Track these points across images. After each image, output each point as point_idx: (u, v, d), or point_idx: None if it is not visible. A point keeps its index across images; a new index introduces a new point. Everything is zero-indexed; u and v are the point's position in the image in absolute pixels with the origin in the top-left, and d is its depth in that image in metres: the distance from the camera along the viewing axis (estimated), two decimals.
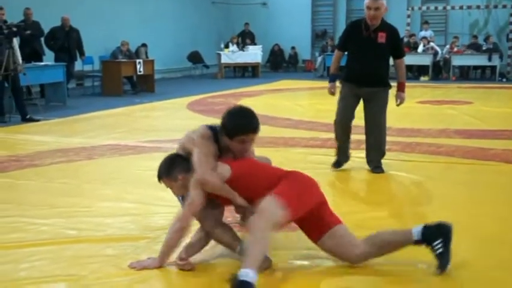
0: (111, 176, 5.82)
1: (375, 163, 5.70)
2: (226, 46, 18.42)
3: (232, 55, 18.29)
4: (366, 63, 5.46)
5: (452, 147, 6.96)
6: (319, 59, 18.84)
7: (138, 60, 13.96)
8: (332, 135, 6.01)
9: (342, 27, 19.29)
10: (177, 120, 9.72)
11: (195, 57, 19.16)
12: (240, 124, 3.39)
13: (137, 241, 3.89)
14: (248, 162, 3.52)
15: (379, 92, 5.53)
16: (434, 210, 4.54)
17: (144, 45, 15.12)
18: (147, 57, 14.66)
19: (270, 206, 3.13)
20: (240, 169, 3.40)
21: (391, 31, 5.46)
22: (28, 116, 9.37)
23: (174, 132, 8.10)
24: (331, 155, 5.99)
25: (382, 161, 5.76)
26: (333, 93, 5.82)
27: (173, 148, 6.87)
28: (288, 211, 3.14)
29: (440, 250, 3.24)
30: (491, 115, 9.85)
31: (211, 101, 12.15)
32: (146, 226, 4.20)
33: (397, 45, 5.54)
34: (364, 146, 5.91)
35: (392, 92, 5.69)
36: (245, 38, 18.92)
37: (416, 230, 3.32)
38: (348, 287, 3.29)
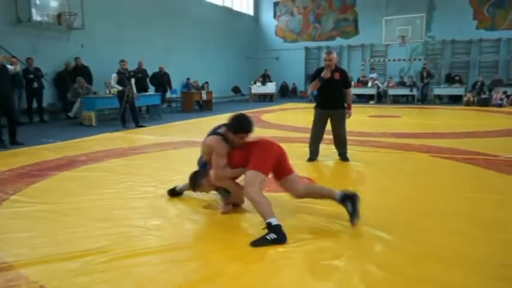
0: (186, 158, 5.87)
1: (343, 155, 5.50)
2: (255, 82, 18.39)
3: (258, 88, 18.23)
4: (327, 93, 5.31)
5: (388, 143, 6.88)
6: (309, 90, 18.57)
7: (202, 91, 14.01)
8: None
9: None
10: None
11: (236, 89, 19.23)
12: (244, 126, 3.23)
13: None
14: (238, 149, 3.29)
15: (337, 112, 5.35)
16: (365, 183, 4.45)
17: (206, 82, 15.19)
18: (208, 89, 14.70)
19: (253, 176, 3.02)
20: (235, 155, 3.27)
21: (342, 72, 5.36)
22: (139, 124, 9.47)
23: None
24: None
25: (348, 152, 5.55)
26: (326, 76, 5.23)
27: None
28: (264, 173, 3.06)
29: (350, 210, 3.10)
30: (412, 124, 9.70)
31: None
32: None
33: (346, 81, 5.35)
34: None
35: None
36: (265, 78, 18.84)
37: (339, 193, 3.18)
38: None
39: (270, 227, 2.85)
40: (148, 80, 12.74)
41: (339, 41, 19.94)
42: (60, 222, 3.27)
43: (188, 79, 15.05)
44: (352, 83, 17.87)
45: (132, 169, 5.09)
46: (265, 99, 18.55)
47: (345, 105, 5.44)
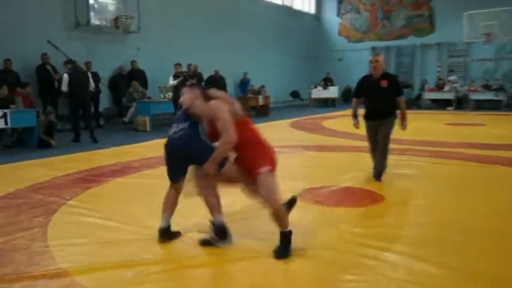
0: None
1: (376, 171, 5.03)
2: (315, 86, 18.26)
3: (319, 92, 18.07)
4: (374, 103, 4.98)
5: (466, 154, 6.48)
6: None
7: (259, 96, 14.16)
8: None
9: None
10: (283, 133, 9.74)
11: (294, 94, 19.21)
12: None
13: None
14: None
15: (385, 122, 4.93)
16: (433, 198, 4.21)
17: (263, 86, 15.32)
18: (265, 93, 14.82)
19: (269, 180, 2.89)
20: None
21: (391, 78, 4.98)
22: None
23: (282, 141, 8.13)
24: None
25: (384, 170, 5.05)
26: (356, 127, 5.26)
27: (280, 151, 7.00)
28: (274, 173, 2.98)
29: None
30: (499, 134, 9.04)
31: (304, 121, 12.09)
32: None
33: (396, 88, 4.91)
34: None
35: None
36: (327, 81, 18.63)
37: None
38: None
39: (287, 236, 2.91)
40: (203, 83, 13.11)
41: (412, 40, 19.24)
42: (113, 230, 3.42)
43: (245, 74, 15.23)
44: (427, 86, 17.13)
45: None
46: (327, 104, 18.33)
47: (396, 112, 5.05)
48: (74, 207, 4.04)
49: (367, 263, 2.80)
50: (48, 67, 9.66)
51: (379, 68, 4.93)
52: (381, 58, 4.97)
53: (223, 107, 2.97)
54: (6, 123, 7.38)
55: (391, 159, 5.50)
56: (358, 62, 20.30)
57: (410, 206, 4.12)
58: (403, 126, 5.05)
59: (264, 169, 2.93)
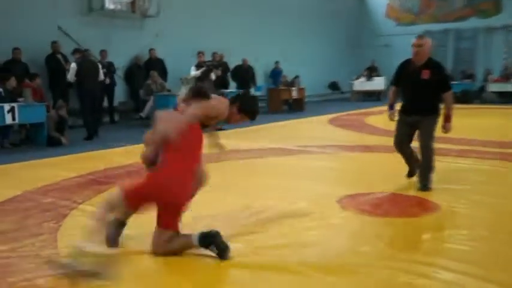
0: (273, 169, 5.95)
1: (422, 182, 4.78)
2: (358, 77, 18.06)
3: (362, 84, 17.87)
4: (411, 95, 4.78)
5: None
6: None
7: (292, 88, 14.14)
8: None
9: (450, 64, 18.23)
10: (320, 131, 9.70)
11: (333, 85, 19.07)
12: (254, 111, 3.40)
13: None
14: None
15: (425, 120, 4.69)
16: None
17: (297, 77, 15.25)
18: (299, 85, 14.77)
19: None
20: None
21: (435, 69, 4.66)
22: (218, 126, 9.80)
23: (318, 140, 8.13)
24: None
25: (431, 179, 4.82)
26: (391, 119, 5.10)
27: (317, 151, 6.98)
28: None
29: (216, 252, 3.04)
30: None
31: (345, 118, 11.98)
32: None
33: (440, 82, 4.65)
34: None
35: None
36: (372, 71, 18.37)
37: (195, 236, 3.06)
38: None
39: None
40: (229, 75, 13.20)
41: (473, 22, 18.71)
42: (129, 237, 3.49)
43: (277, 64, 15.17)
44: (491, 77, 16.62)
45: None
46: (371, 97, 18.08)
47: (439, 109, 4.76)
48: (86, 212, 4.15)
49: (419, 283, 2.75)
50: (59, 56, 9.96)
51: (422, 54, 4.67)
52: (427, 42, 4.67)
53: (200, 109, 3.13)
54: (13, 119, 7.64)
55: (447, 161, 5.39)
56: (408, 48, 19.79)
57: (470, 217, 4.01)
58: (445, 128, 4.76)
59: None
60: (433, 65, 4.69)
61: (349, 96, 18.38)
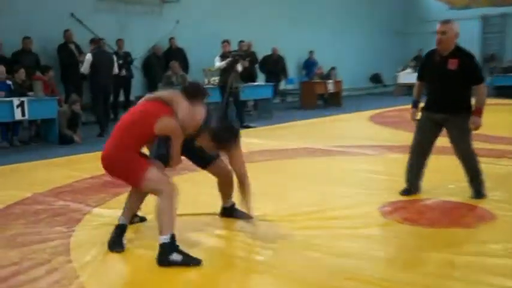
0: (305, 172, 5.94)
1: (475, 188, 4.67)
2: (403, 68, 17.84)
3: (408, 76, 17.60)
4: (437, 89, 4.63)
5: None
6: (488, 80, 17.36)
7: (328, 81, 14.07)
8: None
9: (509, 52, 17.81)
10: (359, 129, 9.64)
11: (375, 78, 18.90)
12: (230, 141, 3.47)
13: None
14: None
15: (455, 118, 4.55)
16: None
17: (333, 68, 15.16)
18: (336, 77, 14.69)
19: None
20: None
21: (464, 58, 4.51)
22: (245, 123, 9.86)
23: (358, 139, 8.08)
24: None
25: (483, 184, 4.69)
26: (413, 119, 4.86)
27: (357, 152, 6.95)
28: None
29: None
30: None
31: (388, 114, 11.86)
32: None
33: (470, 72, 4.49)
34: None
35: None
36: (418, 62, 18.11)
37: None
38: None
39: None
40: (257, 66, 13.22)
41: None
42: (147, 246, 3.56)
43: (311, 54, 15.14)
44: None
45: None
46: None
47: (470, 107, 4.60)
48: (101, 216, 4.25)
49: None
50: (72, 46, 10.19)
51: (447, 42, 4.51)
52: (451, 28, 4.51)
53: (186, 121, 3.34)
54: (23, 114, 7.85)
55: (507, 164, 5.27)
56: (462, 35, 19.51)
57: None
58: (474, 123, 4.49)
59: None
60: (461, 53, 4.56)
61: (392, 89, 18.17)
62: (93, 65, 8.78)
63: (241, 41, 12.33)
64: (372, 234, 3.81)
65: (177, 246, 3.17)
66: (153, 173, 3.22)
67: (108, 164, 3.32)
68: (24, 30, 9.53)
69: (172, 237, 3.16)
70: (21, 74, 8.32)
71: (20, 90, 8.10)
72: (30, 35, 9.56)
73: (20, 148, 7.96)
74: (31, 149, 7.86)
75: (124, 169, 3.29)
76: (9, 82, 8.09)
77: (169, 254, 3.13)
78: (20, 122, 8.29)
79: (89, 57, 8.86)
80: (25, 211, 4.44)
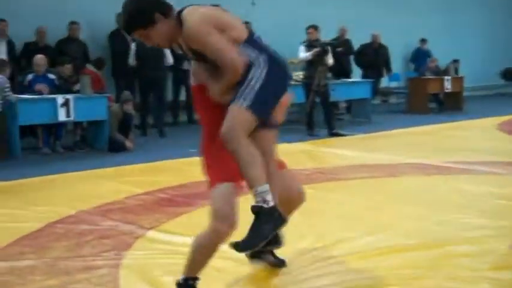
0: (414, 195, 5.82)
1: None
2: None
3: None
4: None
5: None
6: None
7: (446, 77, 13.73)
8: None
9: None
10: (486, 141, 9.35)
11: (508, 75, 18.22)
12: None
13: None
14: None
15: None
16: None
17: (455, 61, 14.76)
18: (456, 73, 14.31)
19: None
20: None
21: None
22: (334, 130, 9.81)
23: (483, 154, 7.82)
24: None
25: None
26: None
27: (482, 171, 6.74)
28: None
29: None
30: None
31: None
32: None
33: None
34: None
35: None
36: None
37: None
38: None
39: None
40: (352, 58, 13.14)
41: None
42: (212, 278, 3.62)
43: (423, 43, 14.94)
44: None
45: (320, 204, 5.21)
46: None
47: None
48: (156, 242, 4.34)
49: None
50: (126, 34, 10.55)
51: None
52: None
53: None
54: (68, 115, 8.12)
55: None
56: None
57: None
58: None
59: None
60: None
61: None
62: (137, 55, 9.09)
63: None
64: (501, 279, 3.68)
65: None
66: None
67: None
68: (71, 15, 9.99)
69: (186, 280, 3.17)
70: (67, 68, 8.64)
71: (66, 86, 8.41)
72: (79, 19, 10.00)
73: (63, 155, 8.30)
74: (76, 156, 8.20)
75: None
76: (52, 76, 8.43)
77: None
78: (63, 124, 8.56)
79: (133, 46, 9.20)
80: (68, 231, 4.63)
